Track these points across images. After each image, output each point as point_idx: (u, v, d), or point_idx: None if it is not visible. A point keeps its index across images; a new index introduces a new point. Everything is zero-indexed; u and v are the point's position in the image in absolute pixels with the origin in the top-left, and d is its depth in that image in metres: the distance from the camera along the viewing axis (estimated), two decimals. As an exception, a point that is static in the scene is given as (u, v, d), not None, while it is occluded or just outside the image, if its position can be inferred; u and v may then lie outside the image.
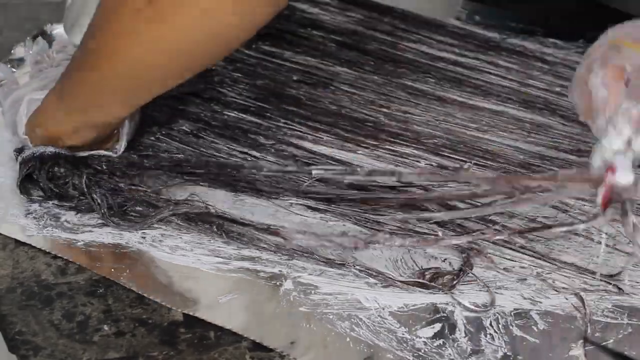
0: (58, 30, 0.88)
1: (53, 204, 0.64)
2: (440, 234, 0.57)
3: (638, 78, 0.57)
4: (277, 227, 0.61)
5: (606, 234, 0.63)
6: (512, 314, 0.56)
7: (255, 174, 0.65)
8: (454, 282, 0.57)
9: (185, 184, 0.65)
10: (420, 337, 0.54)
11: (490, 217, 0.62)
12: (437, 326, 0.55)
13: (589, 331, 0.54)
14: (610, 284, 0.58)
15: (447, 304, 0.56)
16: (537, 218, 0.64)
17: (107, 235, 0.61)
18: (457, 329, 0.55)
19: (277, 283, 0.58)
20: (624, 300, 0.57)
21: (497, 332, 0.54)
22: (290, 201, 0.64)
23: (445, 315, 0.56)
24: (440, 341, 0.54)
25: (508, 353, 0.53)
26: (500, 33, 0.93)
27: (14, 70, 0.80)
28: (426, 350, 0.53)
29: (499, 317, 0.56)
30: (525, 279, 0.58)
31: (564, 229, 0.53)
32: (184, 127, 0.73)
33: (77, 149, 0.65)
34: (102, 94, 0.61)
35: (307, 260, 0.59)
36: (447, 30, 0.94)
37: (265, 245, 0.60)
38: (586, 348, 0.53)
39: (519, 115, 0.79)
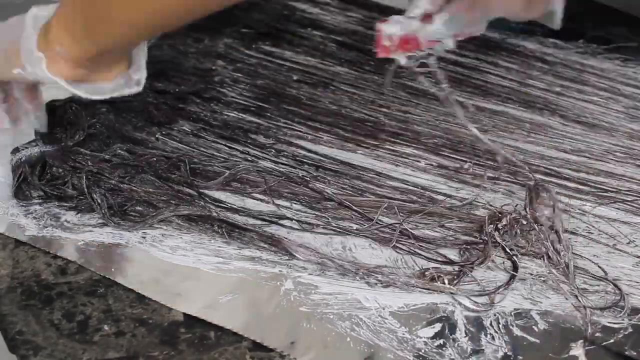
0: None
1: (53, 204, 0.64)
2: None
3: None
4: (280, 237, 0.61)
5: (606, 233, 0.63)
6: (512, 313, 0.56)
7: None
8: (455, 282, 0.57)
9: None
10: (421, 337, 0.54)
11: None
12: (438, 326, 0.55)
13: (589, 331, 0.54)
14: (610, 284, 0.58)
15: (447, 303, 0.56)
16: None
17: (107, 235, 0.61)
18: (457, 329, 0.55)
19: (278, 283, 0.58)
20: (623, 300, 0.57)
21: (497, 332, 0.54)
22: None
23: (445, 315, 0.56)
24: (441, 341, 0.54)
25: (508, 353, 0.53)
26: (500, 33, 0.93)
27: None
28: (426, 350, 0.53)
29: (500, 317, 0.56)
30: (525, 279, 0.58)
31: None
32: (184, 127, 0.73)
33: (97, 82, 0.62)
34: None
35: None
36: (447, 30, 0.94)
37: (265, 246, 0.60)
38: (586, 348, 0.53)
39: (519, 115, 0.79)
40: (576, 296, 0.56)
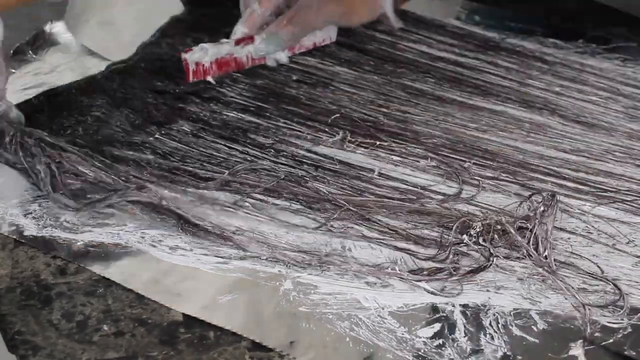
0: (58, 29, 0.88)
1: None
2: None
3: None
4: (229, 232, 0.61)
5: (606, 233, 0.63)
6: (511, 313, 0.56)
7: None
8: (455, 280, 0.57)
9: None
10: (420, 337, 0.54)
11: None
12: (437, 326, 0.55)
13: (588, 331, 0.54)
14: (610, 283, 0.58)
15: (446, 304, 0.56)
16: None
17: (106, 235, 0.61)
18: (456, 329, 0.55)
19: (277, 283, 0.58)
20: (623, 299, 0.57)
21: (496, 332, 0.54)
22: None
23: (445, 315, 0.56)
24: (440, 341, 0.54)
25: (508, 353, 0.53)
26: (500, 33, 0.93)
27: (13, 70, 0.80)
28: (426, 350, 0.53)
29: (499, 317, 0.56)
30: (525, 279, 0.58)
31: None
32: (183, 127, 0.73)
33: None
34: None
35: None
36: (446, 30, 0.94)
37: (218, 241, 0.60)
38: (586, 348, 0.53)
39: (519, 115, 0.79)
40: (567, 289, 0.56)
